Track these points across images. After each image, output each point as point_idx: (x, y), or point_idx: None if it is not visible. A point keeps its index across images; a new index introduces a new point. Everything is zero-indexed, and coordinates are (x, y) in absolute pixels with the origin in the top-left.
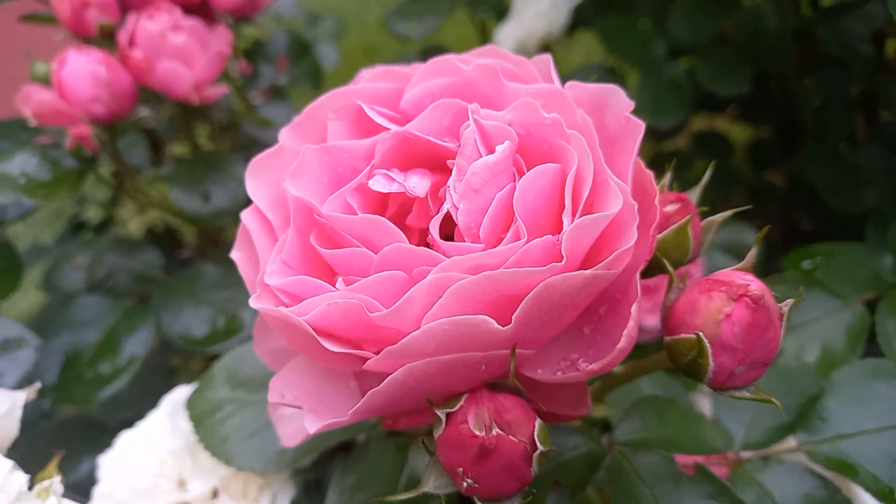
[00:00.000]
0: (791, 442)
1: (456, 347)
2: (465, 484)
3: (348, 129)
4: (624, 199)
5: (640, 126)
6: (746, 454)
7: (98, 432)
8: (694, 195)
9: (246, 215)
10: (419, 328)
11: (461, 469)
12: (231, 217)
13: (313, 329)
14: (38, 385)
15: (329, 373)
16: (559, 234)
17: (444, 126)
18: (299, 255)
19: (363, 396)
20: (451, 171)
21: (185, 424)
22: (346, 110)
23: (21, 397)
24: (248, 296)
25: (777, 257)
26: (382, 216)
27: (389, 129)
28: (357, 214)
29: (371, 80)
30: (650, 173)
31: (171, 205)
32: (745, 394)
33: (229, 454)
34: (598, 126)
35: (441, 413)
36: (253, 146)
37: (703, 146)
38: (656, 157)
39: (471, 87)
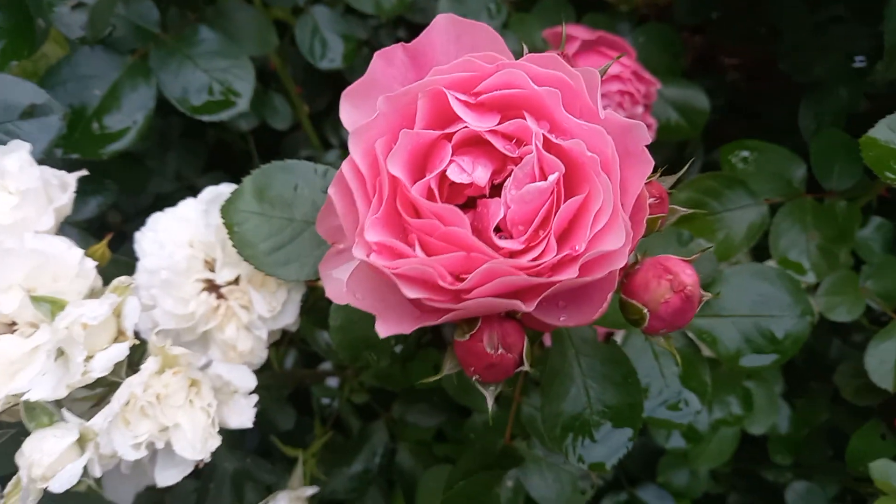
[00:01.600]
0: None
1: (492, 309)
2: (472, 376)
3: (432, 107)
4: (626, 235)
5: (650, 162)
6: None
7: (101, 176)
8: (668, 181)
9: (345, 167)
10: (472, 299)
11: (472, 368)
12: None
13: (398, 278)
14: (84, 172)
15: (394, 289)
16: (575, 248)
17: (509, 131)
18: (388, 215)
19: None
20: (504, 159)
21: (216, 220)
22: (433, 93)
23: (73, 180)
24: (245, 69)
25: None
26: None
27: (466, 123)
28: (438, 202)
29: (454, 69)
30: (647, 195)
31: None
32: (661, 340)
33: (255, 258)
34: (620, 143)
35: (462, 338)
36: None
37: None
38: None
39: (536, 102)
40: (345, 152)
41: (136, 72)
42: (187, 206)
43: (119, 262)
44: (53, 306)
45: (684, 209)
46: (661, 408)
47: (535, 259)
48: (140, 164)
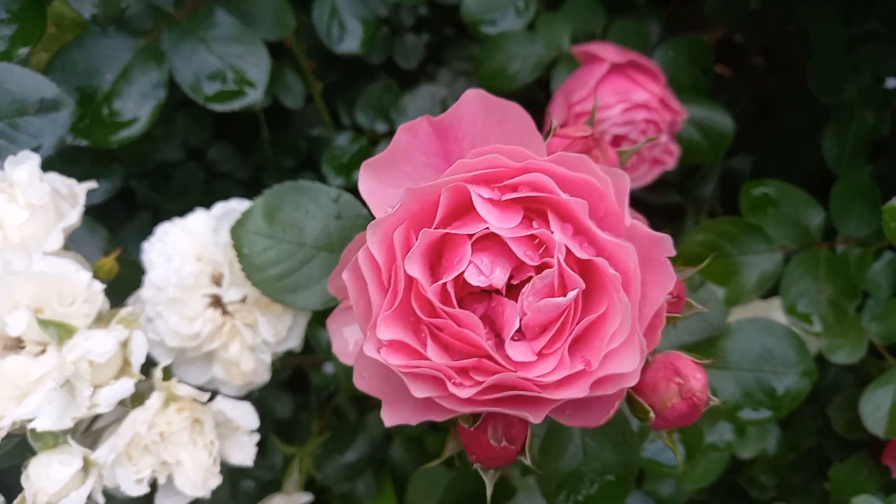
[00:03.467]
0: None
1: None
2: (474, 462)
3: (454, 200)
4: (641, 354)
5: (672, 276)
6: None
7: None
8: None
9: (361, 256)
10: (479, 405)
11: (475, 455)
12: None
13: (407, 377)
14: (93, 184)
15: (402, 381)
16: (588, 364)
17: (531, 235)
18: (402, 310)
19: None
20: (522, 262)
21: (225, 238)
22: (456, 188)
23: (83, 191)
24: (260, 56)
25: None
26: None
27: (488, 224)
28: (454, 305)
29: (480, 165)
30: (665, 306)
31: None
32: (664, 434)
33: (263, 284)
34: (643, 252)
35: (470, 426)
36: None
37: None
38: None
39: (564, 208)
40: (356, 135)
41: (147, 55)
42: (197, 218)
43: (127, 262)
44: (60, 330)
45: (700, 307)
46: (656, 454)
47: (546, 374)
48: (147, 136)
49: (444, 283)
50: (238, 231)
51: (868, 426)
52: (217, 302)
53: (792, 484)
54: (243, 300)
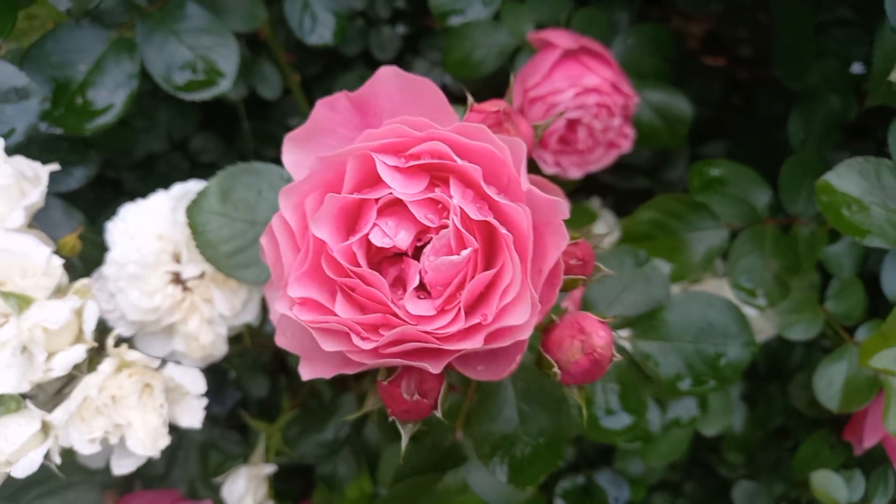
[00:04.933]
0: (625, 332)
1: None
2: (391, 416)
3: (361, 169)
4: (532, 309)
5: (565, 236)
6: None
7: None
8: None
9: (275, 221)
10: (384, 357)
11: (390, 409)
12: None
13: (317, 332)
14: (55, 166)
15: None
16: (484, 318)
17: (432, 199)
18: (312, 271)
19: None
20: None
21: (183, 217)
22: (362, 156)
23: (45, 173)
24: (230, 47)
25: None
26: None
27: (392, 189)
28: (360, 264)
29: (384, 134)
30: (562, 265)
31: None
32: (574, 391)
33: (216, 260)
34: (541, 216)
35: (383, 380)
36: None
37: None
38: None
39: (462, 172)
40: None
41: (120, 47)
42: (158, 199)
43: (91, 241)
44: (21, 301)
45: (608, 270)
46: (603, 420)
47: (444, 327)
48: (125, 126)
49: (350, 245)
50: (193, 210)
51: (822, 401)
52: (177, 279)
53: (761, 462)
54: (202, 276)
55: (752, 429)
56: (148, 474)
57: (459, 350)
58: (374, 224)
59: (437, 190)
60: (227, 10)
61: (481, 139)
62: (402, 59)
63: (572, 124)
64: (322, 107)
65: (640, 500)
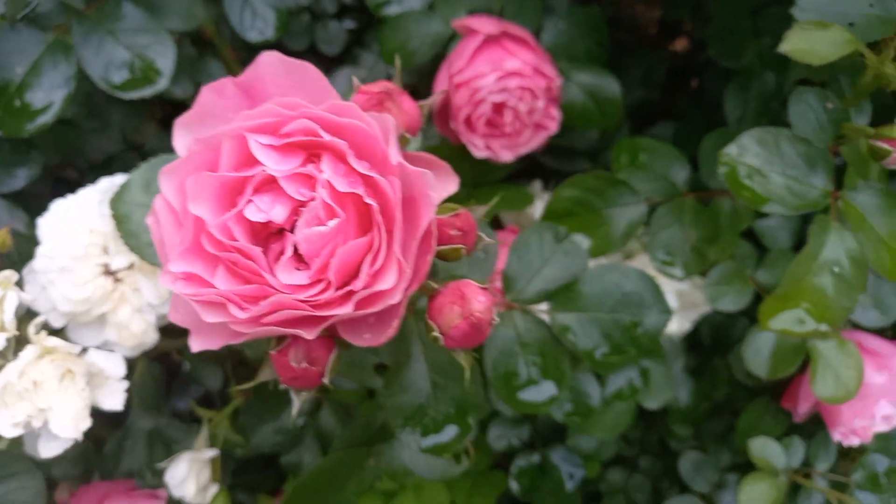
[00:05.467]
0: (544, 305)
1: (280, 335)
2: (283, 384)
3: (237, 149)
4: (399, 275)
5: (433, 206)
6: (515, 304)
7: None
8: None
9: (158, 202)
10: (262, 326)
11: (281, 378)
12: None
13: (198, 304)
14: None
15: None
16: (354, 286)
17: (303, 175)
18: (194, 248)
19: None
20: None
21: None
22: (237, 137)
23: None
24: (166, 45)
25: None
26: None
27: (265, 166)
28: (238, 239)
29: (258, 115)
30: (433, 233)
31: None
32: (461, 354)
33: (140, 249)
34: (412, 186)
35: (273, 351)
36: None
37: None
38: None
39: (333, 148)
40: None
41: (57, 49)
42: (86, 193)
43: (30, 238)
44: None
45: (490, 239)
46: (526, 392)
47: (316, 294)
48: (71, 126)
49: (226, 221)
50: (116, 202)
51: (751, 368)
52: (108, 270)
53: (709, 434)
54: (130, 267)
55: (698, 401)
56: (104, 466)
57: (332, 316)
58: (250, 200)
59: (309, 166)
60: (163, 9)
61: (351, 116)
62: (350, 53)
63: (498, 108)
64: (209, 92)
65: (595, 476)
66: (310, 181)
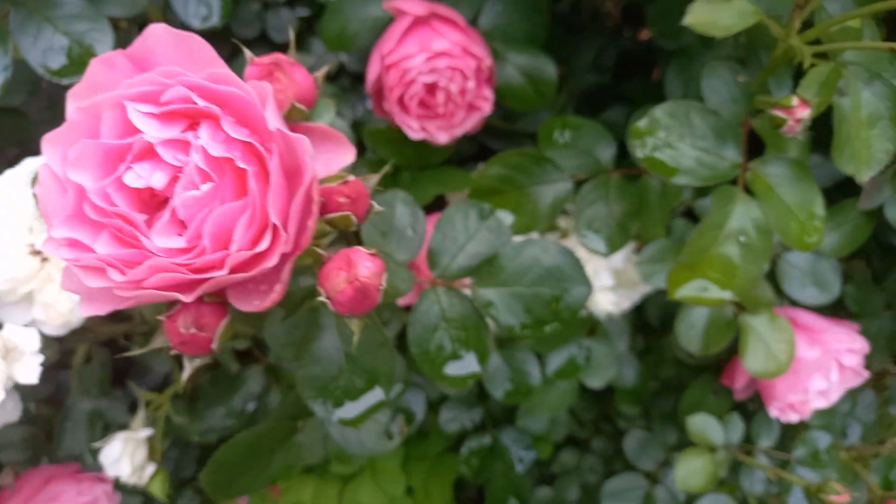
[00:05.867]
0: (468, 280)
1: (160, 299)
2: (174, 350)
3: (117, 117)
4: (274, 239)
5: (308, 172)
6: (440, 281)
7: None
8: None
9: (42, 170)
10: (142, 289)
11: (173, 343)
12: None
13: (80, 269)
14: None
15: None
16: (229, 249)
17: (183, 145)
18: (76, 215)
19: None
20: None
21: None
22: (117, 105)
23: None
24: (104, 31)
25: None
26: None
27: (143, 133)
28: (116, 206)
29: (137, 83)
30: (314, 199)
31: None
32: (354, 321)
33: None
34: (291, 153)
35: (163, 316)
36: None
37: None
38: None
39: (210, 115)
40: None
41: None
42: (13, 173)
43: None
44: None
45: (379, 207)
46: (450, 366)
47: (193, 258)
48: (18, 115)
49: (104, 187)
50: (36, 182)
51: (684, 344)
52: (36, 250)
53: (656, 413)
54: None
55: (645, 380)
56: (49, 448)
57: (209, 279)
58: (129, 167)
59: (189, 133)
60: None
61: (227, 83)
62: (301, 40)
63: (430, 88)
64: (99, 64)
65: (547, 457)
66: (186, 147)
